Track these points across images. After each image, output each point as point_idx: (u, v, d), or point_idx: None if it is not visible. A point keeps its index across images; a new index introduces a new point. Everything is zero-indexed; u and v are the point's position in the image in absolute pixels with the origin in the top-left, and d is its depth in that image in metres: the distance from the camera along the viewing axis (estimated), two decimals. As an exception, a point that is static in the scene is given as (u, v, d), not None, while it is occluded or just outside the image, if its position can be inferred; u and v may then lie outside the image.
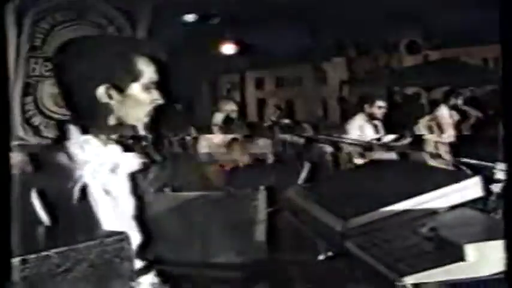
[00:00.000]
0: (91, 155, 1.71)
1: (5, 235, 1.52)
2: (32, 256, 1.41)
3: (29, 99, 4.94)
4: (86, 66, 1.71)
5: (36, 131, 4.87)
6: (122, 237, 1.60)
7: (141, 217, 1.76)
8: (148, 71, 1.75)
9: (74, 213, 1.67)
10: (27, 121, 4.85)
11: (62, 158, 1.71)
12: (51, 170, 1.71)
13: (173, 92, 1.81)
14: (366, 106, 6.05)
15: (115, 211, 1.71)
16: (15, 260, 1.41)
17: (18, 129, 4.72)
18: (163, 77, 1.77)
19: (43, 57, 4.96)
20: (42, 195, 1.64)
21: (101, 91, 1.69)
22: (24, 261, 1.40)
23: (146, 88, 1.75)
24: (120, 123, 1.74)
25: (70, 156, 1.70)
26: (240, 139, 5.03)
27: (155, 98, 1.76)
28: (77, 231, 1.61)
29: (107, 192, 1.70)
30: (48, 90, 4.96)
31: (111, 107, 1.72)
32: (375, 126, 6.07)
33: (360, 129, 5.97)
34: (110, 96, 1.70)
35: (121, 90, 1.72)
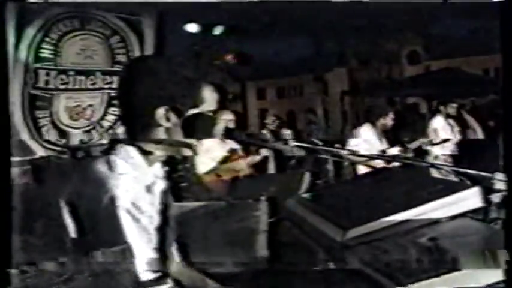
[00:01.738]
0: (131, 170, 1.71)
1: (5, 244, 1.53)
2: (33, 265, 1.42)
3: (43, 113, 4.89)
4: (151, 86, 1.71)
5: (48, 143, 4.85)
6: (123, 247, 1.61)
7: (163, 231, 1.77)
8: (210, 100, 1.76)
9: (100, 221, 1.67)
10: (39, 134, 4.82)
11: (101, 167, 1.71)
12: (85, 177, 1.71)
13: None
14: (381, 118, 5.91)
15: (139, 224, 1.71)
16: (16, 269, 1.42)
17: (28, 140, 4.70)
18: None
19: (57, 69, 4.91)
20: (71, 203, 1.64)
21: (160, 112, 1.70)
22: (24, 271, 1.41)
23: None
24: (170, 145, 1.74)
25: (111, 167, 1.70)
26: (239, 149, 5.03)
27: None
28: (100, 240, 1.62)
29: (136, 206, 1.70)
30: (63, 104, 4.93)
31: (165, 129, 1.72)
32: (382, 137, 6.04)
33: (367, 139, 5.92)
34: (168, 119, 1.71)
35: (180, 114, 1.72)
